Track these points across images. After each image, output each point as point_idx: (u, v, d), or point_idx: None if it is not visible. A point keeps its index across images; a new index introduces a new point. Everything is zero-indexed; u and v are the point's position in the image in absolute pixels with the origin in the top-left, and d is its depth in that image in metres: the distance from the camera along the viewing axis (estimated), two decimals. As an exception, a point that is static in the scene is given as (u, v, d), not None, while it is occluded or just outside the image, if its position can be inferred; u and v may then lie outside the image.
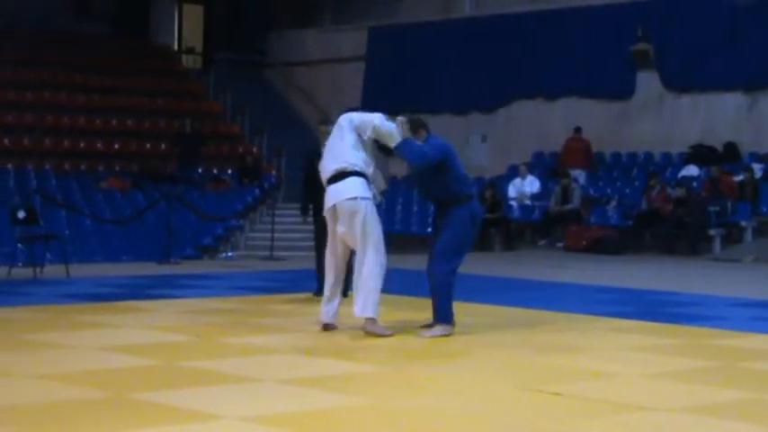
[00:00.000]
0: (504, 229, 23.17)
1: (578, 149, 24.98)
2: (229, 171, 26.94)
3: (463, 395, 7.56)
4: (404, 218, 25.75)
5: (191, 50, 32.77)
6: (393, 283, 14.69)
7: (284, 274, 16.35)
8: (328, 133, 13.04)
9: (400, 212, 26.01)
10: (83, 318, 10.96)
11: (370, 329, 9.97)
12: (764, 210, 22.05)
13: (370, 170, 10.16)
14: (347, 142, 10.15)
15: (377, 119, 10.23)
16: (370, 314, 9.98)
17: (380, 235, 10.04)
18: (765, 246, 21.13)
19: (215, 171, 26.92)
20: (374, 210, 10.05)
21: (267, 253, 20.19)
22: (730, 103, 24.11)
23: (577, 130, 25.01)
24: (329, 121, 13.58)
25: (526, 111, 26.93)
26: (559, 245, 22.49)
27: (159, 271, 16.45)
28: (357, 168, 10.03)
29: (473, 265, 18.73)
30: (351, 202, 9.90)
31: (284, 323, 10.88)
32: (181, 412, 6.71)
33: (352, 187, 9.93)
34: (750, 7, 23.40)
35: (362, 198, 9.91)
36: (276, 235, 20.69)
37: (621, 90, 25.43)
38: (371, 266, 9.96)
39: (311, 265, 13.25)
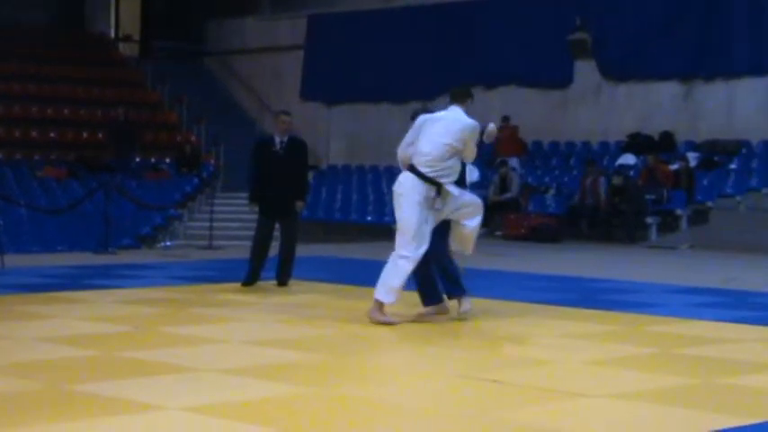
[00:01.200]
0: (444, 217, 23.22)
1: (507, 138, 25.11)
2: (168, 160, 26.79)
3: (404, 384, 7.58)
4: (343, 206, 25.77)
5: (128, 38, 32.50)
6: (334, 272, 14.73)
7: (223, 263, 16.28)
8: (285, 123, 13.01)
9: (340, 201, 26.02)
10: (18, 308, 10.84)
11: (372, 315, 10.02)
12: (699, 198, 22.30)
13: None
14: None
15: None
16: (378, 296, 10.01)
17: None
18: (700, 233, 21.39)
19: (153, 160, 26.75)
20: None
21: (206, 242, 20.09)
22: (666, 92, 24.35)
23: (505, 118, 25.15)
24: (289, 112, 13.55)
25: (465, 99, 26.96)
26: (498, 233, 22.61)
27: (97, 261, 16.32)
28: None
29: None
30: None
31: (224, 312, 10.84)
32: (121, 403, 6.67)
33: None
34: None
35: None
36: (215, 224, 20.60)
37: (560, 79, 25.59)
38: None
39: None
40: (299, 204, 13.05)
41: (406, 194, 10.04)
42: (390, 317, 10.07)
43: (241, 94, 30.90)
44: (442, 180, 10.02)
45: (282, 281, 12.98)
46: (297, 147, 13.10)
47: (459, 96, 10.34)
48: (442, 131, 10.00)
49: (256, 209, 13.09)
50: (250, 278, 12.86)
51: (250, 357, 8.45)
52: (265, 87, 30.27)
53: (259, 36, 30.90)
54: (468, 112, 10.29)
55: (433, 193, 10.03)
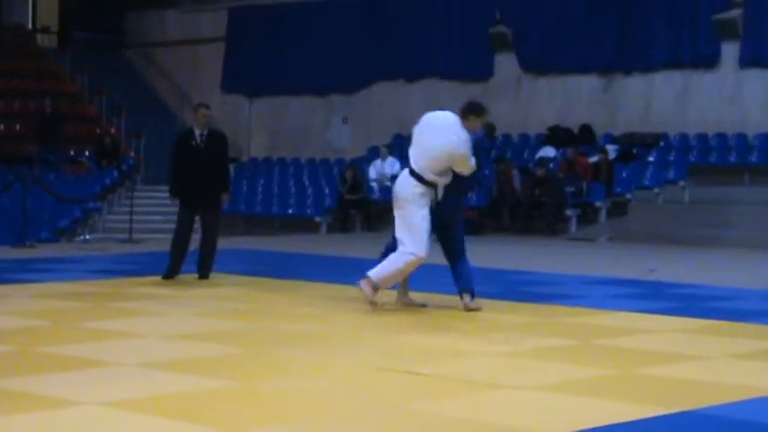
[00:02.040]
0: (365, 210, 23.27)
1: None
2: (87, 153, 26.48)
3: (325, 377, 7.57)
4: (264, 199, 25.68)
5: (46, 30, 32.05)
6: (255, 265, 14.67)
7: (143, 256, 16.15)
8: (205, 117, 12.92)
9: (261, 194, 25.93)
10: (-66, 303, 10.66)
11: (362, 285, 10.45)
12: (618, 190, 22.55)
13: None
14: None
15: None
16: (371, 275, 10.40)
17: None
18: (619, 225, 21.63)
19: (72, 153, 26.43)
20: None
21: (126, 236, 19.92)
22: (585, 85, 24.58)
23: (432, 113, 25.20)
24: (208, 105, 13.47)
25: (387, 92, 27.05)
26: (420, 226, 22.63)
27: (13, 255, 16.09)
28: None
29: (334, 246, 18.82)
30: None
31: (144, 306, 10.74)
32: (38, 399, 6.58)
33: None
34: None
35: None
36: (135, 217, 20.43)
37: (480, 72, 25.71)
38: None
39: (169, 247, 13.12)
40: (225, 197, 13.00)
41: (416, 200, 10.25)
42: (374, 299, 10.42)
43: (162, 87, 30.64)
44: (438, 181, 10.28)
45: (203, 274, 12.92)
46: (217, 140, 13.05)
47: (468, 111, 10.43)
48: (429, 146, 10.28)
49: (178, 202, 13.01)
50: (170, 271, 12.78)
51: (170, 351, 8.38)
52: (186, 79, 30.06)
53: (180, 28, 30.67)
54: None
55: (432, 194, 10.33)
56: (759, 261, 16.89)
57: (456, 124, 10.34)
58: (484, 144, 11.15)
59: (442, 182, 10.32)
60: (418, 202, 10.25)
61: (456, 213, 10.67)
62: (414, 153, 10.42)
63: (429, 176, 10.25)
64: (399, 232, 10.39)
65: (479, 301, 10.69)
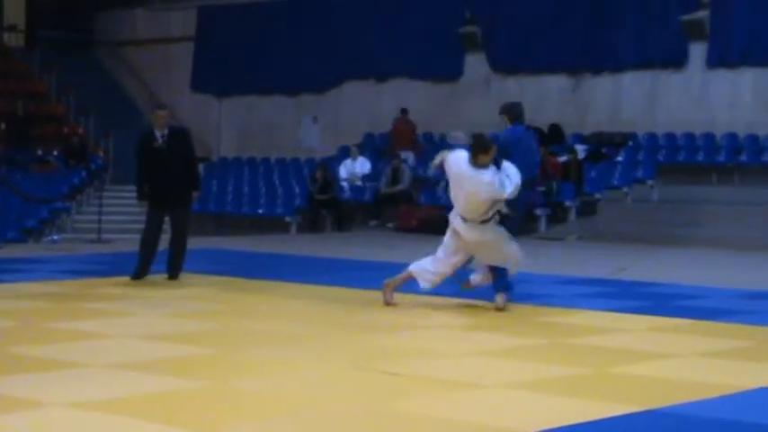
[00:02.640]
0: (336, 209, 23.25)
1: (405, 131, 25.20)
2: (55, 152, 26.35)
3: (300, 376, 7.56)
4: (234, 199, 25.62)
5: (12, 28, 31.84)
6: (225, 265, 14.62)
7: (112, 256, 16.07)
8: (163, 118, 12.88)
9: (231, 194, 25.87)
10: None
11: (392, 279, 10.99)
12: (588, 190, 22.61)
13: None
14: None
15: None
16: (412, 267, 10.94)
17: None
18: (588, 225, 21.69)
19: (40, 152, 26.30)
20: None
21: (94, 236, 19.83)
22: (555, 85, 24.64)
23: (404, 111, 25.24)
24: (165, 105, 13.42)
25: (357, 92, 27.04)
26: (390, 225, 22.67)
27: (-18, 255, 15.99)
28: None
29: (304, 246, 18.79)
30: None
31: (113, 307, 10.69)
32: (5, 400, 6.53)
33: None
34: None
35: None
36: (104, 217, 20.33)
37: (450, 72, 25.74)
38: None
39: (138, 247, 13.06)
40: (195, 195, 12.95)
41: (490, 227, 10.76)
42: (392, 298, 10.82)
43: (131, 86, 30.52)
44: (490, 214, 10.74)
45: (173, 274, 12.86)
46: (179, 137, 13.01)
47: (477, 151, 10.62)
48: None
49: (146, 205, 12.94)
50: (139, 272, 12.72)
51: (139, 352, 8.34)
52: (155, 79, 29.94)
53: (149, 27, 30.55)
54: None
55: None
56: (727, 260, 16.99)
57: (488, 170, 10.41)
58: (520, 143, 11.21)
59: (494, 212, 10.60)
60: (491, 226, 10.62)
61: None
62: (459, 204, 10.72)
63: (484, 217, 10.58)
64: (504, 250, 10.68)
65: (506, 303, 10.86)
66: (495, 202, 10.50)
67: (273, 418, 6.38)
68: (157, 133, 12.83)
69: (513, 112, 11.69)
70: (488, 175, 10.39)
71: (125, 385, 7.08)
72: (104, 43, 31.30)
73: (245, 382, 7.32)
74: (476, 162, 10.45)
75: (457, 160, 10.66)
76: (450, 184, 10.86)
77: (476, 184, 10.42)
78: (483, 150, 10.58)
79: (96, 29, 31.69)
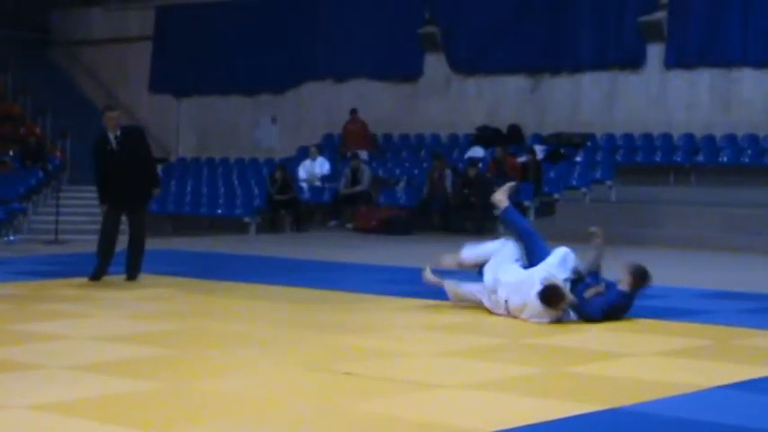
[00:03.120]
0: (295, 210, 23.21)
1: (356, 131, 25.22)
2: (11, 153, 26.13)
3: (258, 377, 7.54)
4: (193, 200, 25.51)
5: (-35, 27, 31.56)
6: (184, 266, 14.56)
7: (70, 257, 15.97)
8: (114, 119, 12.82)
9: (190, 194, 25.75)
10: None
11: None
12: (546, 190, 22.70)
13: None
14: None
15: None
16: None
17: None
18: (547, 225, 21.73)
19: (-5, 153, 26.08)
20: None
21: (51, 237, 19.69)
22: (514, 85, 24.71)
23: (353, 111, 25.25)
24: (115, 107, 13.35)
25: (316, 92, 27.00)
26: (349, 226, 22.66)
27: (-63, 256, 15.85)
28: None
29: (264, 247, 18.75)
30: None
31: (71, 308, 10.62)
32: (-38, 402, 6.48)
33: None
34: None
35: None
36: (61, 218, 20.20)
37: (409, 72, 25.75)
38: None
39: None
40: (155, 191, 12.99)
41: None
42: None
43: (88, 86, 30.31)
44: None
45: (132, 275, 12.80)
46: (132, 137, 12.99)
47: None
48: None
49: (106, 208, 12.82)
50: (97, 273, 12.65)
51: (98, 353, 8.29)
52: (113, 79, 29.76)
53: (106, 26, 30.35)
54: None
55: None
56: (685, 260, 17.09)
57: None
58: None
59: None
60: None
61: None
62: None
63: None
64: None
65: None
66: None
67: (231, 419, 6.36)
68: (110, 135, 12.78)
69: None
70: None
71: (84, 387, 7.04)
72: (61, 43, 31.07)
73: (203, 384, 7.29)
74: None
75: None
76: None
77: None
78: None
79: (52, 28, 31.45)
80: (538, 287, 9.93)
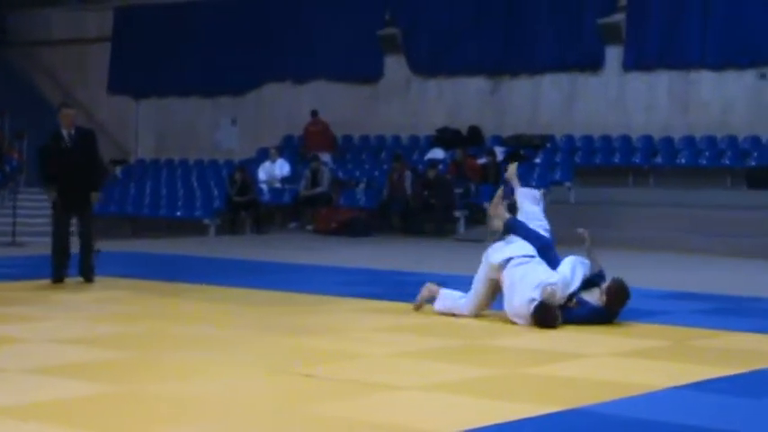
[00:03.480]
0: (255, 212, 23.15)
1: (317, 132, 25.19)
2: (-32, 154, 25.91)
3: (215, 380, 7.51)
4: (152, 201, 25.39)
5: None
6: (142, 268, 14.48)
7: (27, 259, 15.85)
8: (70, 117, 12.77)
9: (149, 196, 25.64)
10: None
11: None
12: (506, 191, 22.70)
13: None
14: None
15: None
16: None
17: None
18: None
19: (-48, 154, 25.84)
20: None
21: (9, 238, 19.54)
22: (474, 87, 24.77)
23: (314, 113, 25.23)
24: (72, 104, 13.27)
25: (276, 94, 26.96)
26: (309, 227, 22.64)
27: None
28: None
29: (223, 249, 18.69)
30: None
31: (28, 311, 10.54)
32: None
33: None
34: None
35: None
36: (18, 220, 20.05)
37: (370, 74, 25.76)
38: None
39: (71, 249, 12.88)
40: (94, 196, 12.83)
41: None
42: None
43: (46, 87, 30.11)
44: None
45: (87, 276, 12.71)
46: (85, 138, 12.92)
47: None
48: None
49: (54, 194, 12.71)
50: (57, 276, 12.55)
51: (55, 356, 8.23)
52: (71, 80, 29.58)
53: (65, 27, 30.16)
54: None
55: None
56: (643, 261, 17.18)
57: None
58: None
59: None
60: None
61: None
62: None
63: None
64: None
65: None
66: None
67: (187, 421, 6.33)
68: (64, 132, 12.73)
69: None
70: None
71: (41, 390, 6.98)
72: (18, 43, 30.83)
73: (161, 386, 7.25)
74: None
75: None
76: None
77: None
78: None
79: (9, 29, 31.21)
80: (536, 293, 9.88)
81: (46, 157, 12.84)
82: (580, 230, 10.63)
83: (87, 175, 12.71)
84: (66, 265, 12.67)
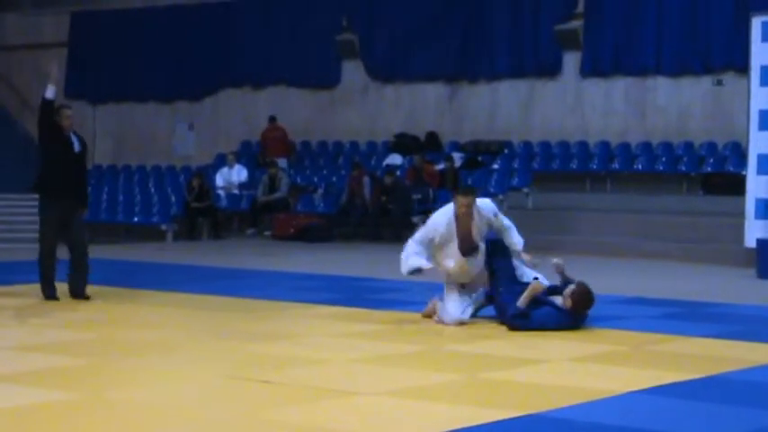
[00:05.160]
0: (212, 218, 23.06)
1: (275, 138, 25.14)
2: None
3: (172, 386, 7.47)
4: (109, 207, 25.24)
5: None
6: (99, 274, 14.38)
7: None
8: (71, 118, 12.26)
9: (106, 201, 25.48)
10: None
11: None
12: (464, 197, 22.75)
13: None
14: None
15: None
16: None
17: None
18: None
19: None
20: None
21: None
22: (432, 93, 24.79)
23: (272, 119, 25.17)
24: (69, 105, 12.98)
25: (233, 99, 26.88)
26: (267, 233, 22.58)
27: None
28: None
29: (181, 254, 18.61)
30: None
31: (-17, 318, 10.45)
32: None
33: None
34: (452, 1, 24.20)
35: None
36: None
37: (327, 79, 25.73)
38: None
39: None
40: (85, 211, 12.17)
41: None
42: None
43: (1, 92, 29.87)
44: None
45: (84, 294, 12.03)
46: (84, 145, 12.50)
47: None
48: None
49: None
50: (53, 292, 11.71)
51: (12, 363, 8.16)
52: (27, 85, 29.33)
53: (20, 32, 29.93)
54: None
55: None
56: (600, 266, 17.24)
57: None
58: None
59: None
60: None
61: None
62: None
63: None
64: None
65: None
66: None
67: (143, 428, 6.29)
68: (73, 137, 12.19)
69: None
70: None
71: (1, 397, 6.92)
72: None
73: (118, 393, 7.20)
74: None
75: None
76: None
77: None
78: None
79: (-35, 33, 30.95)
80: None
81: (53, 162, 11.99)
82: (555, 261, 10.69)
83: (84, 185, 12.10)
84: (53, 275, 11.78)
